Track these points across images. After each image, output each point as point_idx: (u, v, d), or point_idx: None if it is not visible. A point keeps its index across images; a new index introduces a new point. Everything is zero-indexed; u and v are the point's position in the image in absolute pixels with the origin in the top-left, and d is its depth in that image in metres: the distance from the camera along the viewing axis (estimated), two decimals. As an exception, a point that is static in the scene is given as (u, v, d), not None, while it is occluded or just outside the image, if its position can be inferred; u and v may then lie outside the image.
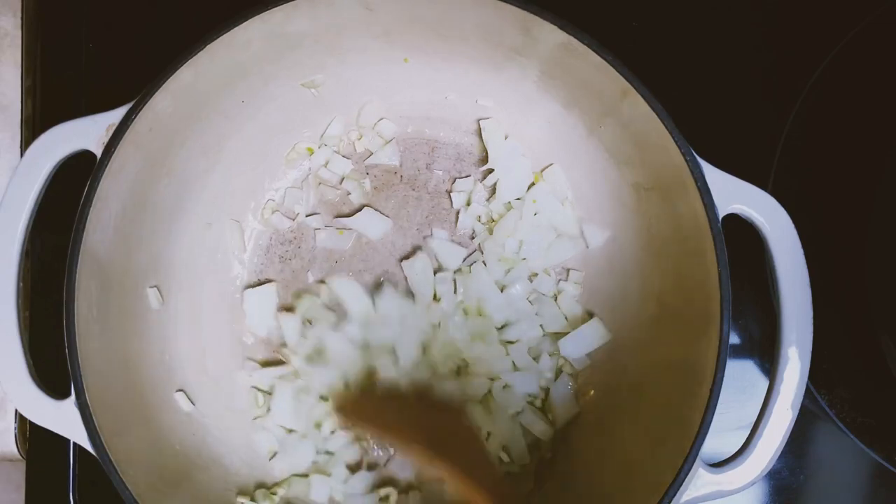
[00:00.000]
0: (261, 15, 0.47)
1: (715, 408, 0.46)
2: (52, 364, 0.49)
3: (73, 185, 0.47)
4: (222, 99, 0.53)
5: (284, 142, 0.59)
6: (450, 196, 0.59)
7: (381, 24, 0.53)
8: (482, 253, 0.59)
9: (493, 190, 0.59)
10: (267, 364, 0.58)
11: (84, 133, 0.47)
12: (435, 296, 0.58)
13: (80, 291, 0.47)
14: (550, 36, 0.48)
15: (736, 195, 0.48)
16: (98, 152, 0.47)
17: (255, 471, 0.57)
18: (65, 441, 0.55)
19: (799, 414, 0.47)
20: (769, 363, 0.54)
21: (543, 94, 0.56)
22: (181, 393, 0.55)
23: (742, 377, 0.60)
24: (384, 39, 0.54)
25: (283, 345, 0.58)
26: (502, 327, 0.58)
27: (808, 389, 0.50)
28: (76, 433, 0.46)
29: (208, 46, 0.47)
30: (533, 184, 0.59)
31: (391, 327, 0.57)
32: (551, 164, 0.58)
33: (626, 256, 0.57)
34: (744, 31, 0.61)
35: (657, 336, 0.54)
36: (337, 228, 0.59)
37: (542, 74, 0.54)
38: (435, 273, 0.58)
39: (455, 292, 0.58)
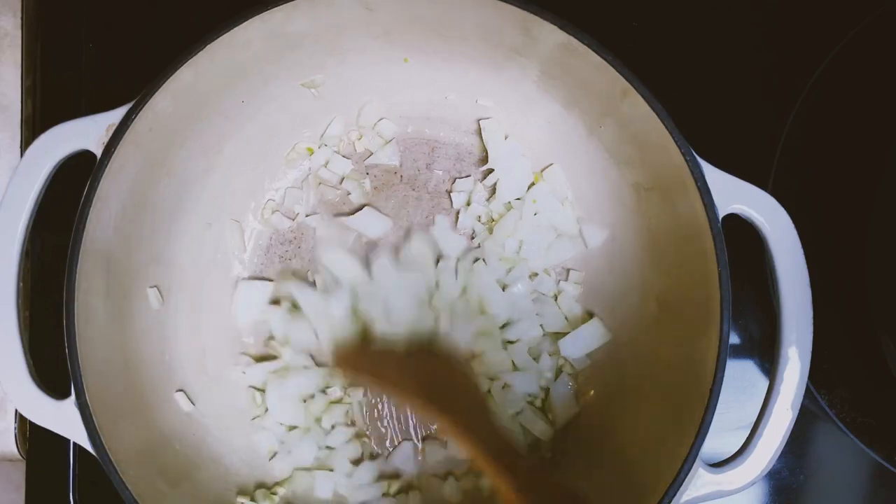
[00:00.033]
0: (261, 15, 0.47)
1: (715, 408, 0.46)
2: (52, 364, 0.49)
3: (73, 185, 0.48)
4: (222, 99, 0.53)
5: (284, 142, 0.59)
6: (450, 196, 0.59)
7: (381, 24, 0.53)
8: (483, 253, 0.59)
9: (493, 190, 0.59)
10: (261, 359, 0.58)
11: (84, 133, 0.47)
12: (437, 284, 0.58)
13: (79, 291, 0.47)
14: (550, 36, 0.48)
15: (736, 195, 0.48)
16: (98, 152, 0.47)
17: (255, 471, 0.57)
18: (65, 441, 0.55)
19: (799, 414, 0.47)
20: (769, 363, 0.54)
21: (543, 94, 0.56)
22: (181, 393, 0.55)
23: (742, 377, 0.60)
24: (384, 39, 0.54)
25: (271, 337, 0.58)
26: (503, 326, 0.58)
27: (808, 389, 0.50)
28: (76, 433, 0.46)
29: (208, 46, 0.47)
30: (533, 184, 0.59)
31: (388, 283, 0.57)
32: (551, 164, 0.58)
33: (625, 256, 0.57)
34: (744, 31, 0.61)
35: (657, 336, 0.54)
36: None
37: (542, 74, 0.54)
38: (437, 262, 0.58)
39: (455, 278, 0.58)
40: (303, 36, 0.52)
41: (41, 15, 0.61)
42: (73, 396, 0.46)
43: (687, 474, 0.45)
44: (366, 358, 0.54)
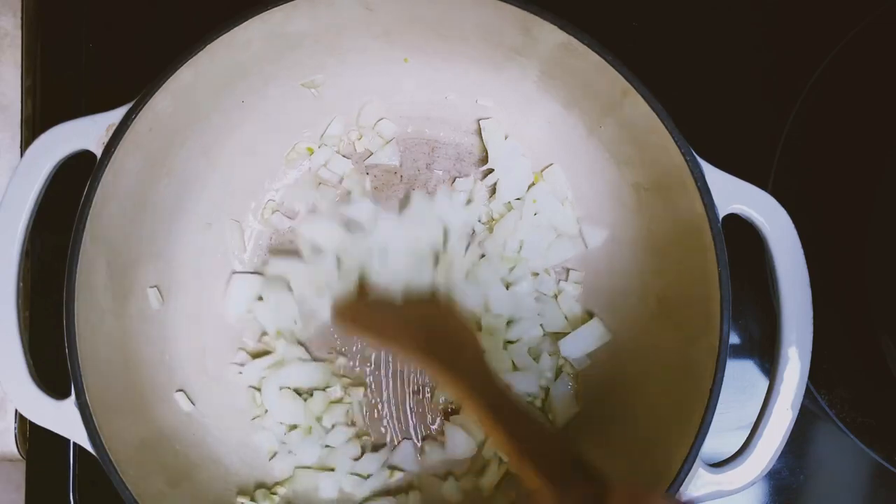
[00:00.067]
0: (261, 15, 0.47)
1: (715, 408, 0.46)
2: (52, 364, 0.49)
3: (73, 185, 0.48)
4: (222, 99, 0.53)
5: (284, 142, 0.59)
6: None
7: (381, 24, 0.53)
8: (483, 250, 0.59)
9: (493, 190, 0.59)
10: (257, 355, 0.58)
11: (84, 133, 0.48)
12: (443, 242, 0.57)
13: (79, 291, 0.47)
14: (550, 36, 0.48)
15: (736, 195, 0.48)
16: (98, 152, 0.47)
17: (255, 471, 0.57)
18: (65, 441, 0.55)
19: (799, 414, 0.47)
20: (769, 363, 0.54)
21: (543, 94, 0.56)
22: (181, 393, 0.55)
23: (742, 377, 0.60)
24: (384, 39, 0.54)
25: (265, 333, 0.58)
26: (506, 325, 0.58)
27: (808, 389, 0.50)
28: (76, 433, 0.46)
29: (208, 46, 0.47)
30: (533, 184, 0.59)
31: (390, 232, 0.56)
32: (551, 164, 0.58)
33: (625, 256, 0.57)
34: (744, 31, 0.61)
35: (657, 336, 0.54)
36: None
37: (542, 74, 0.54)
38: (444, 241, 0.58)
39: (466, 251, 0.58)
40: (303, 36, 0.52)
41: (41, 15, 0.61)
42: (73, 396, 0.46)
43: (687, 474, 0.45)
44: (363, 312, 0.53)
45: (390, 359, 0.59)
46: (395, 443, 0.58)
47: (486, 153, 0.59)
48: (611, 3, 0.60)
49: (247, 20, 0.47)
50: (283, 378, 0.57)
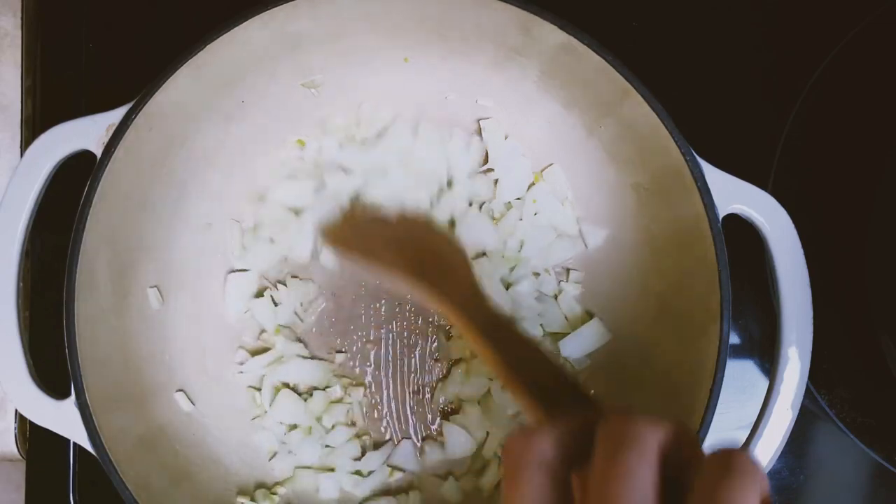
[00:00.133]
0: (261, 15, 0.47)
1: (715, 408, 0.46)
2: (52, 364, 0.49)
3: (73, 185, 0.48)
4: (222, 99, 0.53)
5: (284, 142, 0.59)
6: (450, 196, 0.60)
7: (382, 24, 0.53)
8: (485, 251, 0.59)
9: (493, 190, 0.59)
10: (257, 353, 0.58)
11: (84, 133, 0.48)
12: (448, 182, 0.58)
13: (80, 291, 0.47)
14: (550, 36, 0.48)
15: (736, 195, 0.48)
16: (98, 152, 0.47)
17: (255, 471, 0.57)
18: (65, 441, 0.55)
19: (799, 414, 0.47)
20: (769, 363, 0.54)
21: (543, 94, 0.56)
22: (181, 393, 0.55)
23: (742, 377, 0.60)
24: (384, 39, 0.54)
25: (264, 331, 0.58)
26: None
27: (808, 389, 0.50)
28: (76, 433, 0.46)
29: (209, 46, 0.47)
30: (533, 184, 0.59)
31: (398, 146, 0.58)
32: (551, 164, 0.58)
33: (625, 256, 0.57)
34: (744, 31, 0.61)
35: (657, 336, 0.54)
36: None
37: (542, 74, 0.54)
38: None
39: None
40: (303, 36, 0.52)
41: (41, 15, 0.61)
42: (73, 396, 0.46)
43: (687, 474, 0.45)
44: (356, 233, 0.52)
45: (390, 359, 0.59)
46: (395, 442, 0.58)
47: (486, 153, 0.59)
48: (611, 3, 0.60)
49: (247, 20, 0.47)
50: (283, 375, 0.57)
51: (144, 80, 0.47)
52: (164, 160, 0.52)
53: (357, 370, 0.58)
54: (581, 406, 0.35)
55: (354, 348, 0.59)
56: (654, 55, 0.58)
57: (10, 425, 0.58)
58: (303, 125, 0.59)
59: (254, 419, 0.57)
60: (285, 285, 0.58)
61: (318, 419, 0.57)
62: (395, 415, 0.58)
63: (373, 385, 0.59)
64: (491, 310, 0.44)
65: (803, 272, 0.47)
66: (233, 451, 0.56)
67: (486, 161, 0.59)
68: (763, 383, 0.58)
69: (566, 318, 0.58)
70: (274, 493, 0.56)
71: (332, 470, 0.57)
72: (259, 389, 0.57)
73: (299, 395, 0.58)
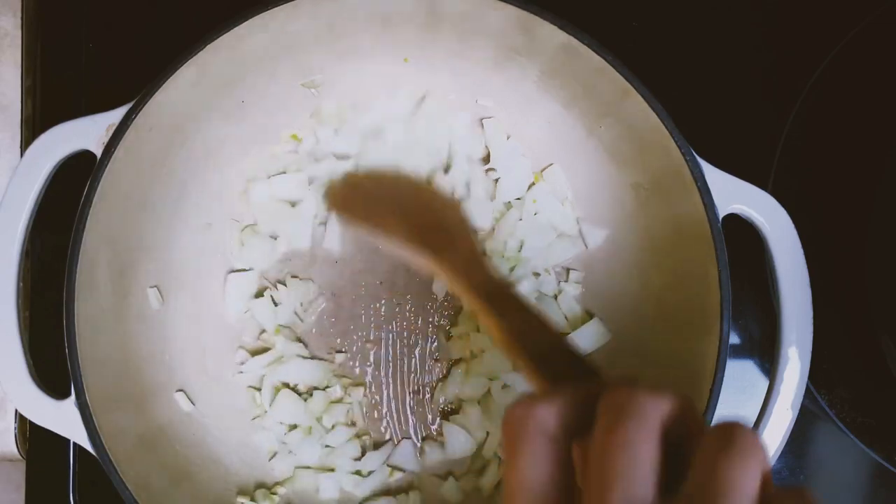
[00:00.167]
0: (261, 15, 0.47)
1: (715, 408, 0.46)
2: (52, 364, 0.49)
3: (73, 185, 0.48)
4: (222, 99, 0.53)
5: (284, 141, 0.59)
6: (450, 196, 0.59)
7: (381, 24, 0.53)
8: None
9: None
10: (257, 353, 0.58)
11: (84, 133, 0.48)
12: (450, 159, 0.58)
13: (80, 291, 0.47)
14: (550, 36, 0.48)
15: (736, 195, 0.48)
16: (98, 152, 0.47)
17: (255, 471, 0.57)
18: (65, 441, 0.55)
19: (799, 414, 0.47)
20: (769, 363, 0.54)
21: (543, 94, 0.56)
22: (181, 393, 0.55)
23: (742, 377, 0.60)
24: (384, 39, 0.54)
25: (264, 331, 0.58)
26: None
27: (808, 389, 0.50)
28: (76, 433, 0.46)
29: (209, 46, 0.47)
30: (533, 184, 0.59)
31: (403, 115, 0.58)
32: (551, 164, 0.58)
33: (625, 256, 0.57)
34: (744, 31, 0.61)
35: (657, 336, 0.54)
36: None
37: (542, 74, 0.54)
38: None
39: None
40: (303, 36, 0.52)
41: (41, 15, 0.61)
42: (73, 396, 0.46)
43: (687, 474, 0.45)
44: (359, 198, 0.51)
45: (390, 359, 0.59)
46: (395, 443, 0.58)
47: (487, 152, 0.59)
48: (611, 3, 0.60)
49: (247, 20, 0.47)
50: (283, 375, 0.57)
51: (144, 80, 0.47)
52: (164, 160, 0.52)
53: (357, 370, 0.58)
54: (585, 375, 0.34)
55: (354, 348, 0.59)
56: (654, 55, 0.58)
57: (10, 425, 0.58)
58: (304, 125, 0.59)
59: (254, 419, 0.57)
60: (285, 285, 0.58)
61: (318, 419, 0.57)
62: (395, 415, 0.58)
63: (373, 385, 0.59)
64: (493, 275, 0.43)
65: (803, 272, 0.47)
66: (233, 451, 0.56)
67: (487, 161, 0.59)
68: (763, 383, 0.58)
69: (566, 318, 0.58)
70: (274, 493, 0.56)
71: (332, 470, 0.57)
72: (259, 389, 0.57)
73: (299, 395, 0.58)
